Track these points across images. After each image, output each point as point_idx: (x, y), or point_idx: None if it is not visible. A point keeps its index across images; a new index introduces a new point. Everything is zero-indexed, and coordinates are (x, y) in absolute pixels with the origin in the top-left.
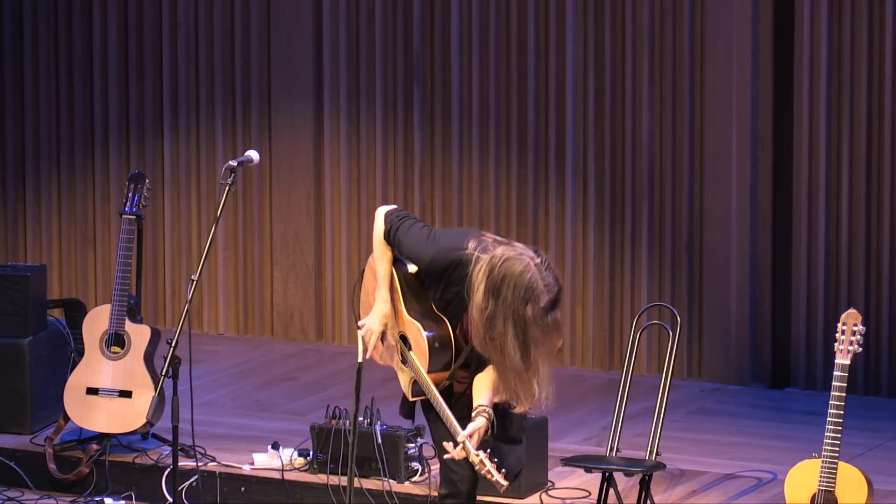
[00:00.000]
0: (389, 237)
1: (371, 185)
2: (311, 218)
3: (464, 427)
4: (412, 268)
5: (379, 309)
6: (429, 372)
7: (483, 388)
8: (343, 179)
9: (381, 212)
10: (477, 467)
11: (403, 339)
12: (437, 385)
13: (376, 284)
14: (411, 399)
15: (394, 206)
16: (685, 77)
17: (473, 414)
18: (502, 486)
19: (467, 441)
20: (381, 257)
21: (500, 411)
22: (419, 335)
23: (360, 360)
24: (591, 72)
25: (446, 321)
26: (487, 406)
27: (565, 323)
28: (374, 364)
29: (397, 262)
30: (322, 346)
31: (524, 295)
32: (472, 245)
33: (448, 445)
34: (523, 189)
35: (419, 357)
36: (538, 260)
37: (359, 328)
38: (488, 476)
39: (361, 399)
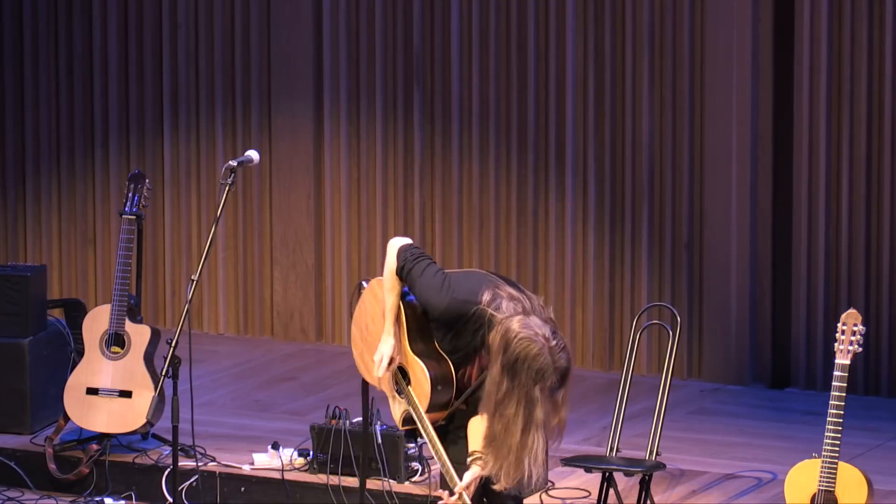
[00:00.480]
0: (402, 275)
1: (371, 185)
2: (311, 218)
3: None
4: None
5: (385, 341)
6: (427, 411)
7: (479, 432)
8: (343, 179)
9: (394, 245)
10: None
11: (402, 372)
12: (433, 423)
13: (379, 311)
14: (401, 428)
15: (408, 241)
16: (685, 77)
17: (469, 461)
18: None
19: (464, 493)
20: (390, 290)
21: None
22: (422, 375)
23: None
24: (591, 72)
25: (449, 362)
26: (482, 453)
27: (565, 323)
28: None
29: (405, 297)
30: (322, 346)
31: (535, 377)
32: (486, 298)
33: (444, 494)
34: (523, 189)
35: (419, 395)
36: (553, 343)
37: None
38: None
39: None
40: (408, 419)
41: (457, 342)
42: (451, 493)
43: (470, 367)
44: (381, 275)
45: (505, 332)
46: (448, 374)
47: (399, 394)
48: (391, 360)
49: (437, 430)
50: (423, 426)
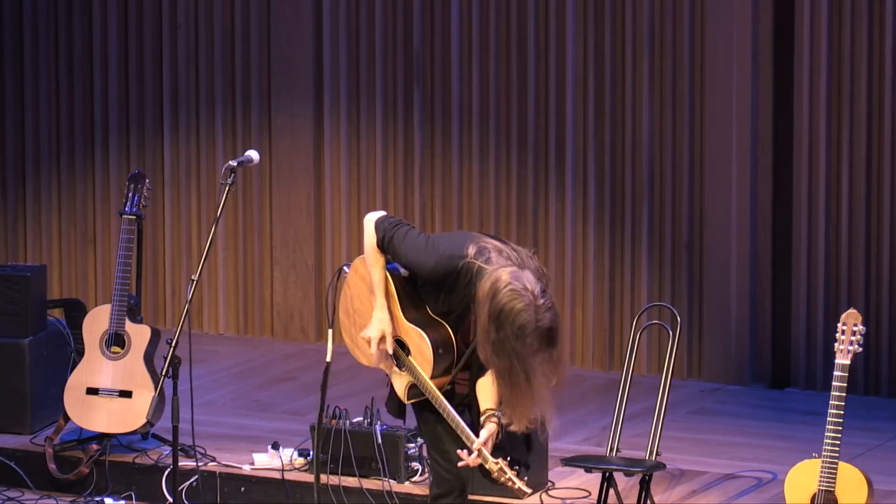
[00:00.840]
0: (383, 245)
1: (371, 185)
2: (311, 218)
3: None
4: (404, 273)
5: (378, 316)
6: (432, 377)
7: (488, 391)
8: (343, 179)
9: (370, 219)
10: (495, 475)
11: (401, 344)
12: (439, 389)
13: (366, 290)
14: (407, 402)
15: (383, 213)
16: (685, 77)
17: (482, 419)
18: (526, 493)
19: (483, 449)
20: (374, 264)
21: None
22: (422, 341)
23: (328, 359)
24: (591, 72)
25: (446, 325)
26: (496, 410)
27: (565, 323)
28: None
29: (390, 268)
30: (322, 346)
31: (517, 332)
32: (472, 251)
33: (462, 453)
34: (523, 189)
35: (421, 363)
36: (540, 301)
37: (329, 328)
38: (510, 484)
39: (331, 398)
40: (413, 391)
41: (450, 302)
42: (470, 453)
43: (466, 327)
44: (363, 253)
45: (495, 281)
46: (447, 337)
47: (400, 367)
48: (383, 336)
49: (444, 395)
50: (430, 393)
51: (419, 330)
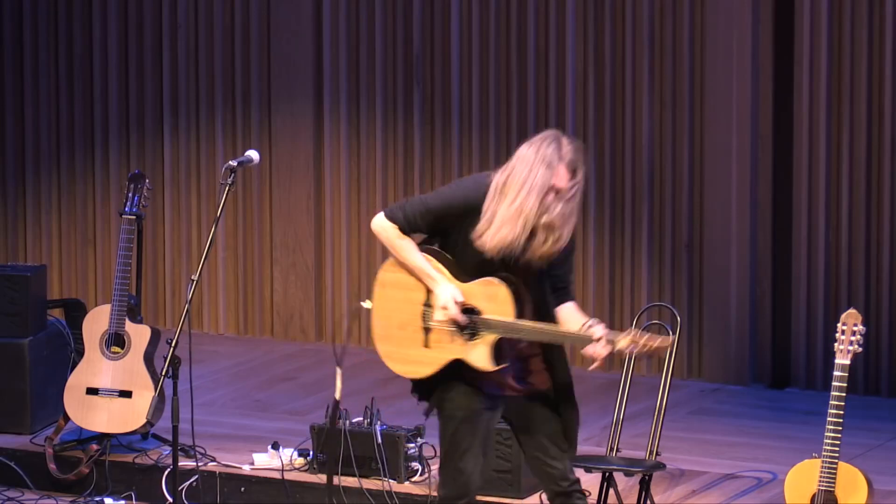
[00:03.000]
0: (408, 223)
1: (371, 185)
2: (311, 218)
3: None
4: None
5: (439, 289)
6: (518, 318)
7: (572, 311)
8: (343, 179)
9: (376, 221)
10: (632, 346)
11: (469, 311)
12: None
13: (405, 297)
14: (495, 368)
15: (380, 212)
16: (685, 77)
17: (587, 325)
18: (669, 341)
19: (608, 335)
20: (407, 250)
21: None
22: (489, 287)
23: (336, 396)
24: (591, 72)
25: (498, 270)
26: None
27: None
28: (374, 364)
29: (421, 247)
30: (322, 346)
31: (541, 157)
32: (493, 173)
33: (588, 349)
34: None
35: (503, 311)
36: (564, 139)
37: (338, 366)
38: (650, 345)
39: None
40: (498, 352)
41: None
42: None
43: (520, 264)
44: (379, 261)
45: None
46: (511, 279)
47: (475, 336)
48: (455, 301)
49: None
50: (526, 330)
51: (486, 280)
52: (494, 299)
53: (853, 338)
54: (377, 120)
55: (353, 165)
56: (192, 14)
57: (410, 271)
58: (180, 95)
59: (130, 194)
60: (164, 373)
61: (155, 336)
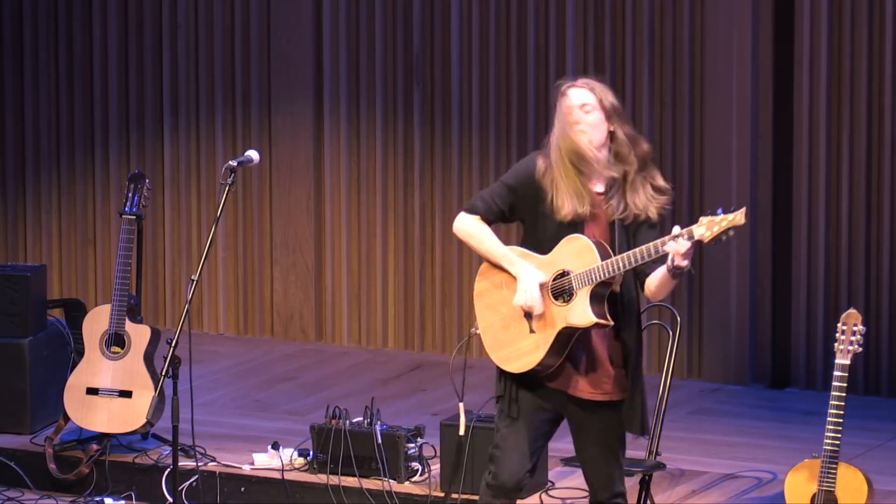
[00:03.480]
0: (487, 209)
1: (371, 185)
2: (311, 218)
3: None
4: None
5: (522, 274)
6: (604, 260)
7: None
8: (343, 179)
9: (457, 221)
10: (709, 232)
11: (560, 277)
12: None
13: (505, 294)
14: (596, 321)
15: (460, 215)
16: (685, 77)
17: (664, 242)
18: (740, 216)
19: (684, 231)
20: (487, 240)
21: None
22: (574, 242)
23: (461, 432)
24: (591, 72)
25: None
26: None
27: None
28: (374, 364)
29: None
30: (322, 346)
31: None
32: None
33: (669, 246)
34: None
35: (588, 259)
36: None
37: (460, 401)
38: (723, 225)
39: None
40: (596, 301)
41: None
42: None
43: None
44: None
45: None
46: (588, 237)
47: (571, 297)
48: (540, 284)
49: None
50: (617, 264)
51: (563, 241)
52: (579, 253)
53: (853, 338)
54: (377, 120)
55: (353, 165)
56: (192, 14)
57: (495, 263)
58: (180, 95)
59: (130, 194)
60: (164, 373)
61: (155, 336)
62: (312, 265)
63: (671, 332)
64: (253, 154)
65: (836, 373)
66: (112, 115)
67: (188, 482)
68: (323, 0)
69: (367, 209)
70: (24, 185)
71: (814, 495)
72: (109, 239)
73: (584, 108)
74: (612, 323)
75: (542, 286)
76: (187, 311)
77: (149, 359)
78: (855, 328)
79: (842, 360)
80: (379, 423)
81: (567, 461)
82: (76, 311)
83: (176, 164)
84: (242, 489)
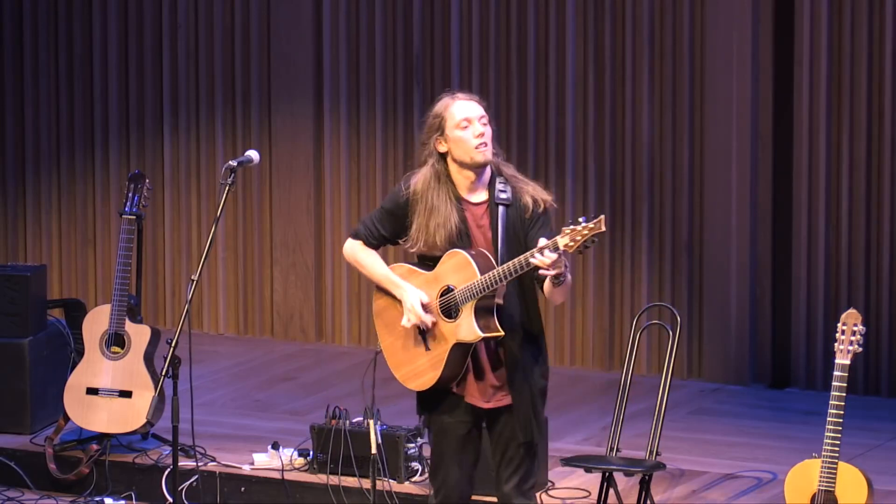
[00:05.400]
0: (368, 233)
1: (371, 185)
2: (311, 218)
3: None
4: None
5: (405, 294)
6: (483, 273)
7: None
8: (343, 179)
9: (345, 246)
10: (572, 242)
11: (445, 293)
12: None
13: (393, 307)
14: (484, 336)
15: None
16: (685, 77)
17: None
18: (602, 222)
19: (548, 242)
20: (370, 262)
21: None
22: (454, 257)
23: (373, 450)
24: (591, 72)
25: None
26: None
27: (565, 323)
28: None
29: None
30: (322, 346)
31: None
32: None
33: (535, 259)
34: None
35: (467, 274)
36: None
37: (370, 419)
38: (584, 234)
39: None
40: (482, 318)
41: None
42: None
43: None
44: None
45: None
46: (467, 248)
47: (458, 313)
48: (421, 303)
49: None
50: (486, 281)
51: (444, 256)
52: (459, 268)
53: (853, 338)
54: (377, 120)
55: (353, 165)
56: (192, 14)
57: (382, 286)
58: (180, 95)
59: (130, 194)
60: (164, 373)
61: (155, 336)
62: (312, 265)
63: (671, 332)
64: (253, 154)
65: (836, 373)
66: (112, 115)
67: (188, 482)
68: (323, 0)
69: (367, 209)
70: (24, 185)
71: (814, 495)
72: (109, 239)
73: (481, 120)
74: (502, 333)
75: (427, 305)
76: (187, 311)
77: (149, 359)
78: (855, 328)
79: (842, 360)
80: (379, 422)
81: (567, 461)
82: (76, 311)
83: (176, 164)
84: (242, 489)
